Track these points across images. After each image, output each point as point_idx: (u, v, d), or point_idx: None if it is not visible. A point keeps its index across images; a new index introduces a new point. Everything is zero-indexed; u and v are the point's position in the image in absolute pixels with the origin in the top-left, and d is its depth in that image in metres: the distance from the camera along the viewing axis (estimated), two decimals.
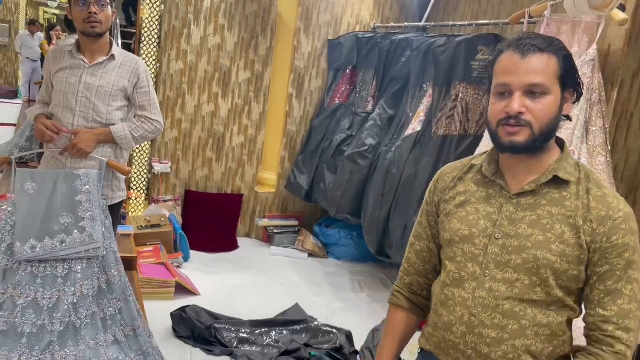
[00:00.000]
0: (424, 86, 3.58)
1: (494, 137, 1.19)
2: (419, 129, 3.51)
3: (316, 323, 3.17)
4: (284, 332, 3.06)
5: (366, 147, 3.93)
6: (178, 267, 3.91)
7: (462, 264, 1.22)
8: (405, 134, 3.58)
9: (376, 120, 4.01)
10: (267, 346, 2.96)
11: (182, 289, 3.52)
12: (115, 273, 2.27)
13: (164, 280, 3.43)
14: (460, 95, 3.27)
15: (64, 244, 2.15)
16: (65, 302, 2.13)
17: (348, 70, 4.50)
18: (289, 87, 4.67)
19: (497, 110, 1.17)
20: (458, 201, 1.27)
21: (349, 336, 3.04)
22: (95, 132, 2.28)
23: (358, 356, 2.92)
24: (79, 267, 2.19)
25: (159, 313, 3.14)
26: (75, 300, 2.15)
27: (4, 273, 2.08)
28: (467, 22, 3.69)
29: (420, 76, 3.62)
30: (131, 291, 2.31)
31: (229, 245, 4.56)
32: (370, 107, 4.24)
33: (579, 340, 1.27)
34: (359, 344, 3.03)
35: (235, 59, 4.46)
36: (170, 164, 4.41)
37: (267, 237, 4.76)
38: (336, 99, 4.55)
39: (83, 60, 2.29)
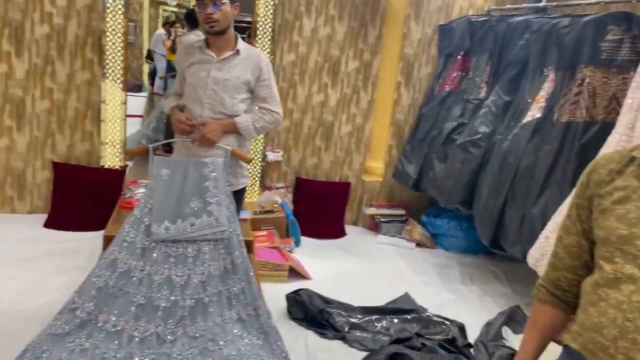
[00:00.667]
0: (545, 70, 3.37)
1: None
2: (538, 115, 3.32)
3: (427, 313, 3.14)
4: (395, 320, 3.07)
5: (479, 135, 3.79)
6: (290, 251, 4.05)
7: (620, 264, 1.13)
8: (524, 121, 3.40)
9: (490, 107, 3.86)
10: (378, 333, 2.99)
11: (295, 273, 3.65)
12: (239, 255, 2.41)
13: (278, 264, 3.58)
14: (587, 79, 3.05)
15: (193, 226, 2.33)
16: (195, 280, 2.31)
17: (460, 56, 4.35)
18: (398, 75, 4.63)
19: None
20: (616, 197, 1.17)
21: (461, 328, 2.98)
22: (221, 123, 2.43)
23: (471, 349, 2.85)
24: (207, 249, 2.35)
25: (273, 295, 3.29)
26: (203, 279, 2.32)
27: (142, 251, 2.29)
28: (593, 0, 3.42)
29: (541, 60, 3.42)
30: (253, 272, 2.44)
31: (337, 232, 4.65)
32: (483, 94, 4.08)
33: None
34: (472, 337, 2.96)
35: (345, 48, 4.50)
36: (282, 152, 4.57)
37: (374, 226, 4.78)
38: (446, 86, 4.43)
39: (211, 56, 2.44)
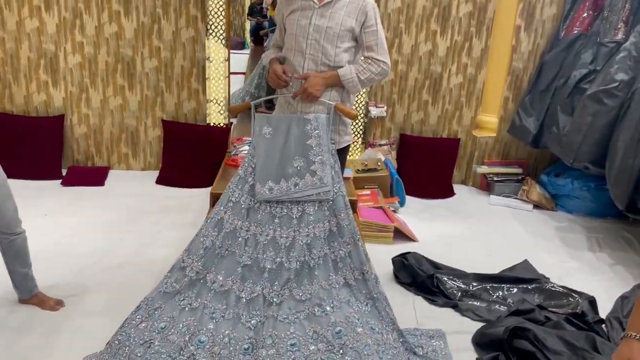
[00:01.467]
0: None
1: None
2: None
3: (551, 283, 2.84)
4: (514, 289, 2.81)
5: (616, 84, 3.30)
6: (394, 211, 3.87)
7: None
8: None
9: (630, 51, 3.33)
10: (494, 302, 2.76)
11: (400, 234, 3.48)
12: (345, 216, 2.27)
13: (383, 225, 3.42)
14: None
15: (297, 187, 2.21)
16: (300, 241, 2.21)
17: None
18: (517, 18, 4.14)
19: None
20: None
21: (592, 302, 2.65)
22: (323, 76, 2.26)
23: (603, 325, 2.53)
24: (312, 210, 2.24)
25: (378, 257, 3.14)
26: (308, 241, 2.21)
27: (247, 211, 2.22)
28: None
29: None
30: (359, 236, 2.30)
31: (444, 192, 4.38)
32: (620, 36, 3.54)
33: None
34: (603, 312, 2.63)
35: None
36: (385, 107, 4.33)
37: (486, 185, 4.45)
38: (575, 28, 3.90)
39: (313, 1, 2.25)
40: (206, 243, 2.22)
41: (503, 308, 2.70)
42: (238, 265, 2.18)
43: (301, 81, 2.28)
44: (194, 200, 3.93)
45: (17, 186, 3.86)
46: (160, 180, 4.21)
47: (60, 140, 4.19)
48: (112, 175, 4.26)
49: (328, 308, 2.12)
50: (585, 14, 3.89)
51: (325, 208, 2.26)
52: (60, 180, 4.05)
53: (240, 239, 2.19)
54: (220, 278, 2.17)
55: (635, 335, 1.26)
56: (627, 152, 3.06)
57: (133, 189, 4.04)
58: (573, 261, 3.33)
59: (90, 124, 4.23)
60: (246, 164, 2.26)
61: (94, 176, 4.16)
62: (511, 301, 2.73)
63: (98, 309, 2.52)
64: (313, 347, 2.00)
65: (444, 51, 4.25)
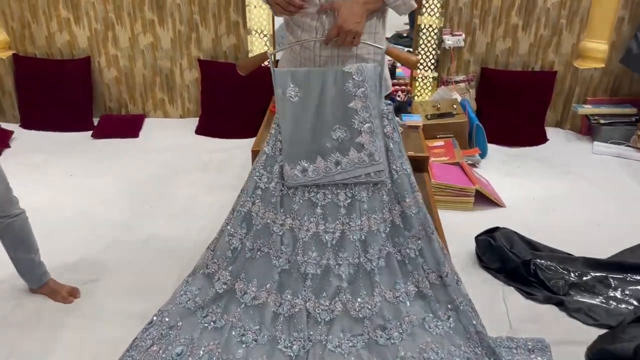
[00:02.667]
0: None
1: None
2: None
3: None
4: None
5: None
6: (474, 166, 3.19)
7: None
8: None
9: None
10: (614, 299, 2.10)
11: (483, 198, 2.82)
12: (412, 202, 1.66)
13: (461, 188, 2.77)
14: None
15: (339, 166, 1.60)
16: (351, 238, 1.63)
17: None
18: None
19: None
20: None
21: None
22: (359, 1, 1.51)
23: None
24: (365, 195, 1.64)
25: (455, 230, 2.54)
26: (363, 237, 1.63)
27: (280, 200, 1.65)
28: None
29: None
30: (433, 228, 1.68)
31: (535, 138, 3.61)
32: None
33: None
34: None
35: None
36: (464, 35, 3.53)
37: (588, 130, 3.63)
38: None
39: None
40: (234, 243, 1.68)
41: (627, 307, 2.04)
42: (274, 270, 1.63)
43: (325, 13, 1.54)
44: (237, 154, 3.42)
45: (43, 140, 3.57)
46: (200, 130, 3.70)
47: (89, 86, 3.73)
48: (148, 124, 3.80)
49: (395, 334, 1.56)
50: None
51: (384, 192, 1.64)
52: (91, 132, 3.63)
53: (274, 235, 1.63)
54: (253, 288, 1.65)
55: None
56: None
57: (170, 141, 3.57)
58: None
59: (120, 67, 3.73)
60: (273, 137, 1.66)
61: (128, 126, 3.71)
62: (637, 298, 2.06)
63: (115, 302, 2.12)
64: None
65: None
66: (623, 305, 2.07)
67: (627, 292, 2.13)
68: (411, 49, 3.62)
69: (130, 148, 3.48)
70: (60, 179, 3.07)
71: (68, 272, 2.25)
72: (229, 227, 1.71)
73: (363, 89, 1.54)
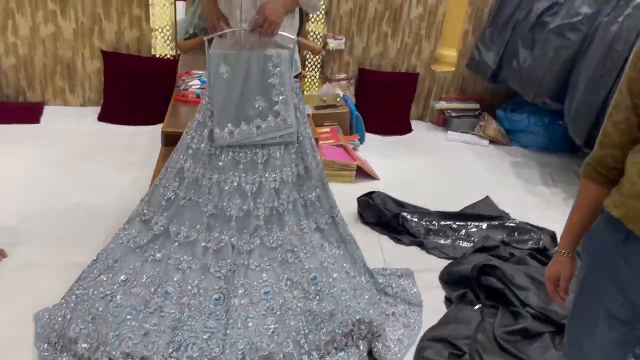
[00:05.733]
0: None
1: None
2: None
3: (513, 220, 2.88)
4: (477, 226, 2.83)
5: (579, 17, 3.26)
6: (354, 149, 3.79)
7: None
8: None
9: None
10: (458, 239, 2.78)
11: (362, 172, 3.41)
12: (312, 159, 2.15)
13: (345, 163, 3.33)
14: None
15: (259, 129, 2.04)
16: (267, 187, 2.08)
17: None
18: None
19: None
20: None
21: (552, 237, 2.72)
22: (280, 1, 1.97)
23: None
24: (278, 154, 2.09)
25: (341, 196, 3.04)
26: (276, 186, 2.09)
27: (209, 158, 2.05)
28: None
29: None
30: (327, 180, 2.19)
31: (403, 128, 4.32)
32: None
33: None
34: None
35: None
36: (344, 39, 4.14)
37: (443, 121, 4.42)
38: None
39: None
40: (168, 194, 2.05)
41: (467, 245, 2.72)
42: (203, 215, 2.03)
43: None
44: (141, 138, 3.67)
45: None
46: (103, 117, 3.90)
47: None
48: (48, 111, 3.90)
49: (301, 254, 2.04)
50: None
51: (292, 151, 2.12)
52: None
53: (203, 187, 2.03)
54: (185, 229, 2.03)
55: (565, 253, 1.36)
56: (589, 88, 3.06)
57: (73, 127, 3.73)
58: (530, 196, 3.39)
59: (19, 55, 3.80)
60: (203, 107, 2.06)
61: (27, 112, 3.80)
62: (475, 238, 2.76)
63: (44, 258, 2.34)
64: (288, 295, 1.93)
65: None
66: (465, 244, 2.75)
67: (468, 234, 2.81)
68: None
69: (33, 132, 3.59)
70: None
71: None
72: (162, 181, 2.07)
73: (279, 69, 2.00)
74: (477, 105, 4.37)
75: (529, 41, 3.64)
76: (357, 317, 1.85)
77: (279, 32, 1.98)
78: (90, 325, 1.78)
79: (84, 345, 1.74)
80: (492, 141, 4.18)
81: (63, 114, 3.90)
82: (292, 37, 2.06)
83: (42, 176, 3.04)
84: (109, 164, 3.26)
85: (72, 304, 1.88)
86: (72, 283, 1.98)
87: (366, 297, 1.99)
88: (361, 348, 1.86)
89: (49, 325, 1.87)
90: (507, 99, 4.35)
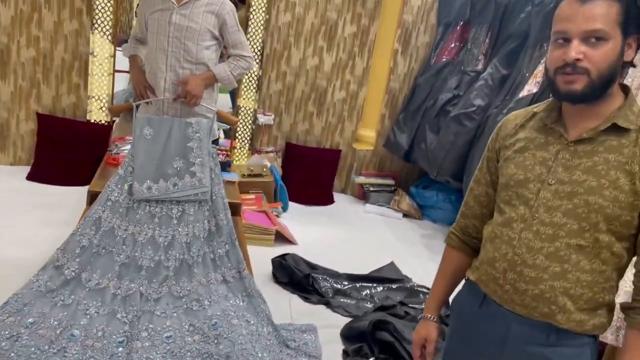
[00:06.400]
0: (545, 45, 3.32)
1: (552, 85, 1.19)
2: (535, 90, 3.28)
3: (412, 283, 3.15)
4: (379, 288, 3.08)
5: (474, 108, 3.76)
6: (277, 216, 4.03)
7: (515, 206, 1.25)
8: (520, 95, 3.37)
9: (487, 80, 3.81)
10: (362, 300, 3.00)
11: (281, 237, 3.63)
12: (223, 217, 2.38)
13: (265, 228, 3.55)
14: None
15: (176, 187, 2.27)
16: (179, 240, 2.27)
17: (459, 26, 4.28)
18: (395, 43, 4.52)
19: (554, 58, 1.17)
20: (517, 147, 1.29)
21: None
22: (202, 77, 2.32)
23: None
24: (192, 210, 2.31)
25: (259, 258, 3.26)
26: (188, 240, 2.28)
27: (127, 210, 2.24)
28: None
29: (542, 33, 3.36)
30: (236, 236, 2.41)
31: (325, 199, 4.63)
32: (480, 66, 4.03)
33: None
34: None
35: (343, 12, 4.39)
36: (273, 116, 4.49)
37: (363, 195, 4.77)
38: (444, 57, 4.36)
39: (172, 2, 2.32)
40: (83, 242, 2.20)
41: (370, 305, 2.95)
42: (115, 264, 2.19)
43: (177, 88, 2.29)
44: (68, 198, 3.77)
45: None
46: (31, 177, 3.98)
47: None
48: None
49: (206, 302, 2.21)
50: (453, 45, 4.36)
51: (205, 209, 2.34)
52: None
53: (118, 237, 2.20)
54: (96, 277, 2.17)
55: (430, 317, 1.46)
56: None
57: (1, 184, 3.79)
58: (434, 264, 3.64)
59: None
60: (126, 164, 2.28)
61: None
62: (377, 299, 2.99)
63: None
64: (189, 339, 2.07)
65: (330, 67, 4.51)
66: (368, 304, 2.98)
67: (371, 295, 3.05)
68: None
69: None
70: None
71: None
72: (79, 229, 2.22)
73: (199, 135, 2.27)
74: (393, 181, 4.77)
75: (435, 126, 4.11)
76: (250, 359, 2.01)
77: (200, 104, 2.27)
78: None
79: None
80: (406, 215, 4.54)
81: None
82: (212, 108, 2.35)
83: None
84: (34, 221, 3.33)
85: None
86: None
87: (263, 343, 2.16)
88: None
89: None
90: (420, 177, 4.78)
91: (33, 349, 1.90)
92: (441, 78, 4.27)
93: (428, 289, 3.13)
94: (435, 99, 4.20)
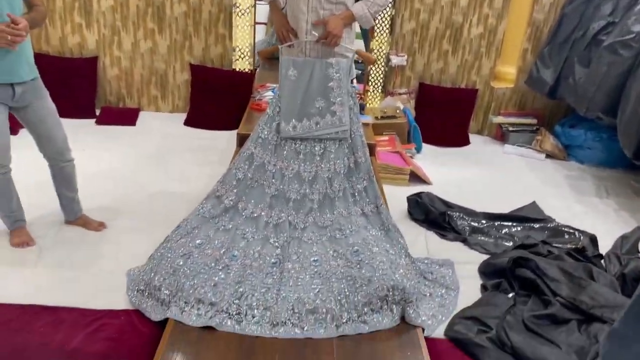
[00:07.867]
0: None
1: None
2: None
3: (556, 223, 3.03)
4: (520, 227, 3.01)
5: (632, 35, 3.38)
6: (411, 157, 4.05)
7: None
8: None
9: None
10: (501, 238, 2.96)
11: (416, 177, 3.67)
12: (361, 155, 2.48)
13: (399, 168, 3.61)
14: None
15: (318, 125, 2.40)
16: (322, 176, 2.42)
17: None
18: None
19: None
20: None
21: (593, 239, 2.84)
22: (341, 17, 2.35)
23: (602, 261, 2.73)
24: (333, 148, 2.43)
25: (395, 197, 3.34)
26: (330, 176, 2.43)
27: (275, 148, 2.43)
28: None
29: None
30: (374, 173, 2.50)
31: (461, 140, 4.53)
32: None
33: None
34: (604, 249, 2.82)
35: None
36: (406, 56, 4.44)
37: (501, 135, 4.58)
38: None
39: None
40: (238, 175, 2.44)
41: (509, 243, 2.90)
42: (266, 195, 2.41)
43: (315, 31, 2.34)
44: (219, 141, 4.14)
45: None
46: (187, 122, 4.42)
47: (94, 81, 4.40)
48: (143, 116, 4.48)
49: (347, 231, 2.35)
50: None
51: (345, 146, 2.45)
52: (94, 120, 4.28)
53: (268, 172, 2.41)
54: (251, 206, 2.41)
55: None
56: (638, 101, 3.17)
57: (163, 129, 4.26)
58: (579, 205, 3.50)
59: (122, 67, 4.42)
60: (274, 104, 2.45)
61: (126, 116, 4.39)
62: (517, 238, 2.93)
63: (137, 230, 2.79)
64: (333, 262, 2.24)
65: (466, 1, 4.30)
66: (507, 243, 2.93)
67: (510, 234, 2.99)
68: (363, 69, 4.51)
69: (130, 133, 4.15)
70: (74, 151, 3.68)
71: (92, 213, 2.87)
72: (235, 164, 2.47)
73: (338, 75, 2.36)
74: (535, 121, 4.50)
75: (585, 59, 3.78)
76: (392, 284, 2.12)
77: (340, 44, 2.34)
78: (171, 276, 2.17)
79: (166, 292, 2.13)
80: (549, 155, 4.29)
81: (155, 118, 4.46)
82: (351, 47, 2.41)
83: (136, 168, 3.56)
84: (192, 160, 3.73)
85: (157, 260, 2.29)
86: (159, 245, 2.40)
87: (402, 271, 2.26)
88: (394, 312, 2.12)
89: (138, 277, 2.29)
90: (566, 115, 4.45)
91: (202, 265, 2.19)
92: (593, 5, 3.87)
93: (574, 229, 3.00)
94: (585, 29, 3.83)
